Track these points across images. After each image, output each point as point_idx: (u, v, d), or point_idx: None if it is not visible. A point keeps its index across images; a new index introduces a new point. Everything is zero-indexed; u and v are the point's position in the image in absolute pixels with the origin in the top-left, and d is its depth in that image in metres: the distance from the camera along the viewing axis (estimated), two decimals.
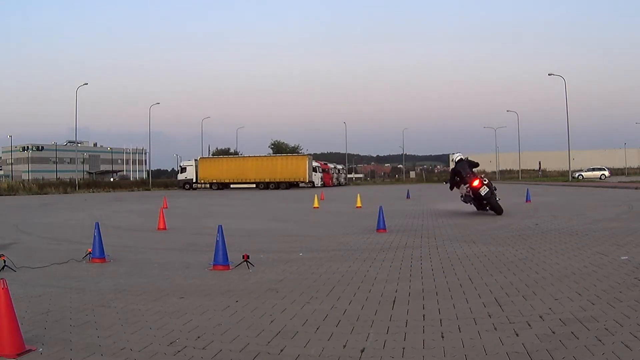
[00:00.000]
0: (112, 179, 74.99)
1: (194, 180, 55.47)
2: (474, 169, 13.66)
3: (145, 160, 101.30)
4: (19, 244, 9.36)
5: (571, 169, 58.22)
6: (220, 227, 6.37)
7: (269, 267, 6.45)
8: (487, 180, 13.23)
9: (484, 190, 12.90)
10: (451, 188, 14.51)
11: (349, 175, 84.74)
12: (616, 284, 4.96)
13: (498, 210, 13.13)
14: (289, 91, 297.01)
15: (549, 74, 52.54)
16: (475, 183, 12.94)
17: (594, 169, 62.33)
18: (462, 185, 13.68)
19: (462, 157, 14.00)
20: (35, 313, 4.35)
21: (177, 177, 59.65)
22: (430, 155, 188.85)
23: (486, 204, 13.32)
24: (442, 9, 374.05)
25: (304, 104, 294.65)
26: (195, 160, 57.09)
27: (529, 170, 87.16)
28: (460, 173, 13.60)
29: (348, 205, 20.71)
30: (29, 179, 61.25)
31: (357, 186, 64.07)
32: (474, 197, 13.36)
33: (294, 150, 78.28)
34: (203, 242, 9.03)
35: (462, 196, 14.33)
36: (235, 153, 76.26)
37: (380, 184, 78.67)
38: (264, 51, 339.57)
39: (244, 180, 53.18)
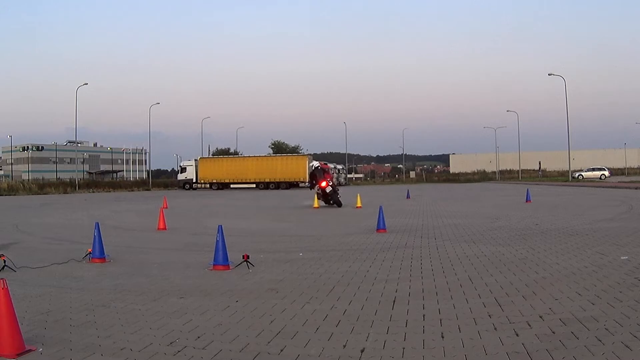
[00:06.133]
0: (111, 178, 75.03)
1: (194, 180, 55.46)
2: (325, 174, 18.62)
3: (145, 160, 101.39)
4: (19, 244, 9.36)
5: (571, 169, 58.19)
6: (220, 227, 6.37)
7: (269, 267, 6.45)
8: (332, 182, 18.54)
9: (328, 189, 18.14)
10: (312, 187, 19.60)
11: (349, 175, 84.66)
12: (616, 284, 4.96)
13: (338, 204, 18.33)
14: (289, 91, 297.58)
15: (549, 74, 52.51)
16: (323, 184, 18.14)
17: (594, 169, 62.25)
18: (317, 185, 18.63)
19: (317, 165, 19.37)
20: (35, 313, 4.35)
21: (177, 177, 59.63)
22: (430, 155, 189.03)
23: (330, 199, 18.39)
24: (443, 9, 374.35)
25: (304, 104, 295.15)
26: (195, 160, 57.07)
27: (529, 170, 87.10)
28: (316, 176, 18.46)
29: (348, 205, 20.69)
30: (29, 179, 61.11)
31: (357, 186, 64.04)
32: (322, 194, 18.42)
33: (294, 150, 78.26)
34: (203, 242, 9.03)
35: (317, 193, 18.95)
36: (235, 153, 76.21)
37: (380, 184, 78.65)
38: (264, 51, 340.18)
39: (244, 180, 53.16)
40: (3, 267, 6.26)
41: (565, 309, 4.11)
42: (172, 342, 3.56)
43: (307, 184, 20.83)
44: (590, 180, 54.63)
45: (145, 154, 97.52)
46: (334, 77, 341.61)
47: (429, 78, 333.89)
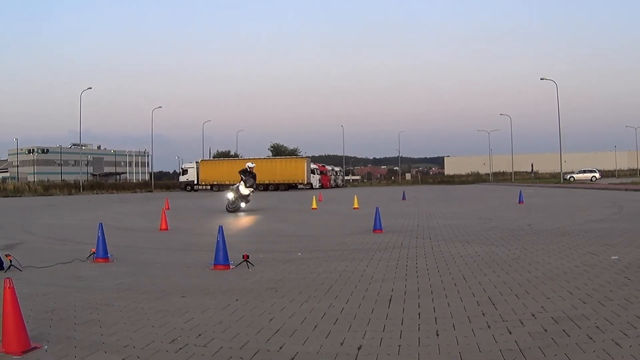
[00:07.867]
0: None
1: (195, 182, 55.62)
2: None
3: (148, 163, 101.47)
4: (25, 244, 9.44)
5: (563, 171, 58.17)
6: (220, 227, 6.46)
7: (268, 267, 6.53)
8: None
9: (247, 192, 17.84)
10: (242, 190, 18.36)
11: (346, 177, 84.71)
12: (607, 283, 5.03)
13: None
14: (288, 94, 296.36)
15: (541, 78, 52.33)
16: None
17: (584, 171, 62.13)
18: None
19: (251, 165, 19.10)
20: (40, 311, 4.42)
21: (178, 179, 59.75)
22: (426, 157, 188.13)
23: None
24: (438, 13, 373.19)
25: (302, 107, 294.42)
26: (197, 162, 57.25)
27: (522, 172, 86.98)
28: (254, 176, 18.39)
29: (345, 206, 20.76)
30: (34, 181, 61.33)
31: (354, 188, 64.08)
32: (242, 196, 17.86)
33: (292, 153, 78.28)
34: (204, 242, 9.11)
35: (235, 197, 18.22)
36: (236, 155, 76.10)
37: (377, 186, 78.59)
38: (263, 54, 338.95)
39: None
40: (9, 267, 6.35)
41: (557, 308, 4.18)
42: (174, 339, 3.63)
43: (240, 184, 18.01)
44: (582, 182, 54.64)
45: (148, 156, 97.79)
46: (331, 80, 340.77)
47: (424, 82, 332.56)
